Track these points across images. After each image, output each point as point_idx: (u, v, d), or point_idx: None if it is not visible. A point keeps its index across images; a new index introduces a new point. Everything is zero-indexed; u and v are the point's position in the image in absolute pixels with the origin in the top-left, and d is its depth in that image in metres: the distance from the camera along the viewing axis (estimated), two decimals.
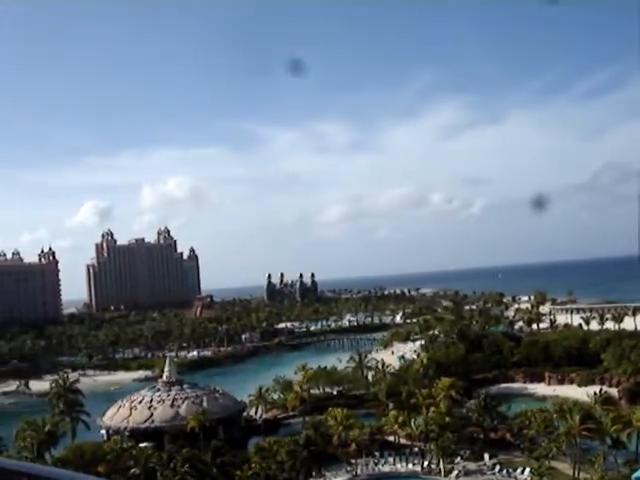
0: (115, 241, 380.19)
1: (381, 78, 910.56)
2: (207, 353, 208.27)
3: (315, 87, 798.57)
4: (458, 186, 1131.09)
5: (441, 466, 79.35)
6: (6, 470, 3.88)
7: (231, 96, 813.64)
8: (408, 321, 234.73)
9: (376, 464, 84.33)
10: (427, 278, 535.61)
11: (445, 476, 78.32)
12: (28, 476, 3.84)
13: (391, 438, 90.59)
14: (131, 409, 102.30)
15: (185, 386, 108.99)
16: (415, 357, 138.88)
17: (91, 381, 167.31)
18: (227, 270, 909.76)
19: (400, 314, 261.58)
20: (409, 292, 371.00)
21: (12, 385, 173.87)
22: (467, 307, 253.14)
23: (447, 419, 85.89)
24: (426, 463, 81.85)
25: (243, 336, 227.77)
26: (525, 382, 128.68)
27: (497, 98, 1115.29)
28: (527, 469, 75.92)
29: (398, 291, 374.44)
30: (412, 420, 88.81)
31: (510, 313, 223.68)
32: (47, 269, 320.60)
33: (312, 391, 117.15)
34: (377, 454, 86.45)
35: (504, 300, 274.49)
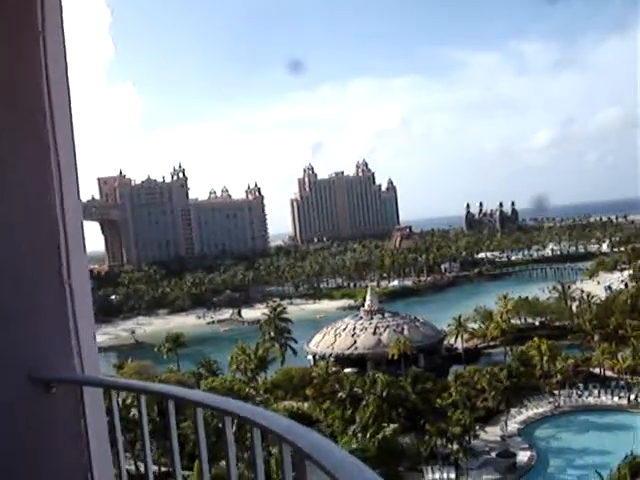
0: (316, 175, 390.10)
1: None
2: (407, 283, 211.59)
3: (514, 5, 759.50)
4: None
5: None
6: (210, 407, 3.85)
7: (426, 20, 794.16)
8: (615, 250, 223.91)
9: (579, 396, 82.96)
10: (638, 204, 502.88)
11: None
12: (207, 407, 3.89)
13: (596, 370, 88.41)
14: (335, 336, 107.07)
15: (386, 315, 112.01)
16: (623, 287, 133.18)
17: (298, 309, 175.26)
18: (427, 200, 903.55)
19: (607, 243, 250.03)
20: (617, 219, 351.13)
21: (226, 313, 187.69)
22: None
23: None
24: (633, 396, 79.36)
25: (443, 266, 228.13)
26: None
27: None
28: None
29: (605, 218, 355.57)
30: (619, 352, 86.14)
31: None
32: (254, 204, 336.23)
33: (513, 321, 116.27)
34: (581, 386, 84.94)
35: None
